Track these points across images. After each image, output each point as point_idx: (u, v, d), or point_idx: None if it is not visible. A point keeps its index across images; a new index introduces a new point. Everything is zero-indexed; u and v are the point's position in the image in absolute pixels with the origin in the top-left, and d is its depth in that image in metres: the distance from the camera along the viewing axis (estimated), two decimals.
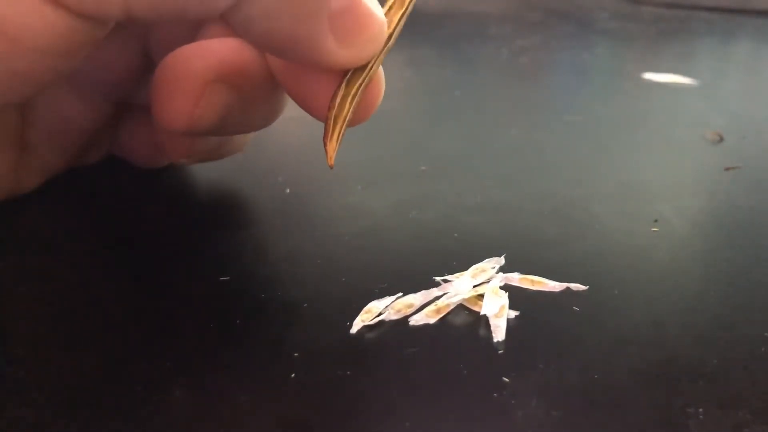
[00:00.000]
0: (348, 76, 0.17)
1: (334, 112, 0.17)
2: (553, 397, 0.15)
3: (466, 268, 0.19)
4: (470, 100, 0.36)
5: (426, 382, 0.15)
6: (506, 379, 0.15)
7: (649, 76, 0.41)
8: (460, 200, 0.24)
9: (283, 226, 0.22)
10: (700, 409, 0.14)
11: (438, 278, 0.19)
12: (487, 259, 0.20)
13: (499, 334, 0.17)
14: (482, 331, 0.17)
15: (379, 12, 0.17)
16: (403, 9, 0.18)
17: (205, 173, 0.26)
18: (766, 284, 0.19)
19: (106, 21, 0.13)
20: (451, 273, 0.19)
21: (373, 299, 0.18)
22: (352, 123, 0.18)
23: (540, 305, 0.18)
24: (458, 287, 0.18)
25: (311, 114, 0.19)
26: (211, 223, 0.23)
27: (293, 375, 0.16)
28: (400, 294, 0.18)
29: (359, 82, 0.17)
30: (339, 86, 0.17)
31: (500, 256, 0.20)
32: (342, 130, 0.17)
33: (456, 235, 0.22)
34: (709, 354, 0.16)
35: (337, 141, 0.17)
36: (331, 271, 0.20)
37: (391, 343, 0.17)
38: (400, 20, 0.18)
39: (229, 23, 0.15)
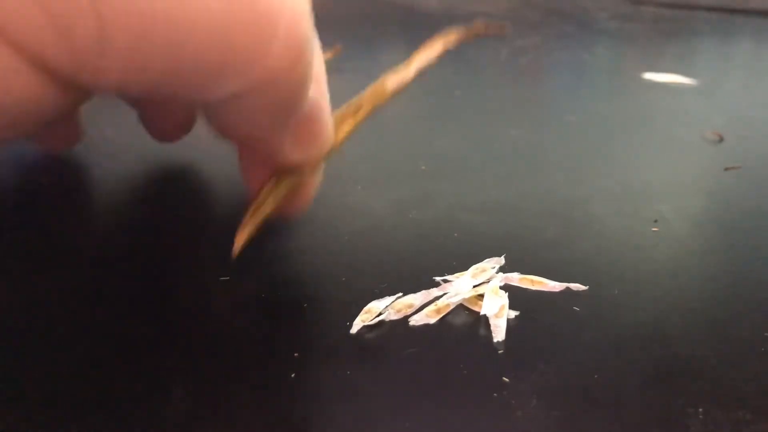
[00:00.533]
0: (281, 174, 0.17)
1: (255, 204, 0.17)
2: (553, 397, 0.15)
3: (466, 268, 0.19)
4: (470, 100, 0.36)
5: (426, 382, 0.15)
6: (506, 379, 0.15)
7: (649, 76, 0.41)
8: (460, 200, 0.24)
9: (283, 226, 0.22)
10: (700, 409, 0.14)
11: (438, 278, 0.19)
12: (487, 259, 0.20)
13: (499, 334, 0.17)
14: (482, 331, 0.17)
15: (330, 122, 0.17)
16: (355, 122, 0.19)
17: (205, 173, 0.26)
18: (765, 284, 0.19)
19: (97, 93, 0.13)
20: (451, 273, 0.19)
21: (374, 299, 0.18)
22: (274, 215, 0.18)
23: (540, 305, 0.18)
24: (458, 287, 0.18)
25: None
26: (211, 223, 0.23)
27: (293, 375, 0.16)
28: (400, 294, 0.18)
29: (289, 182, 0.17)
30: (270, 180, 0.17)
31: (500, 256, 0.20)
32: (257, 223, 0.17)
33: (456, 235, 0.22)
34: (709, 354, 0.16)
35: (248, 233, 0.17)
36: (331, 271, 0.20)
37: (391, 343, 0.17)
38: (348, 134, 0.19)
39: (204, 109, 0.15)
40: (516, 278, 0.19)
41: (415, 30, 0.52)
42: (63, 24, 0.10)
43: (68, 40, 0.11)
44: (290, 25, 0.13)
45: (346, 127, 0.19)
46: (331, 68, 0.43)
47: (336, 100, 0.39)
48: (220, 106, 0.14)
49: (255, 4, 0.12)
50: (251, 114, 0.14)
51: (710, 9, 0.69)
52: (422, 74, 0.20)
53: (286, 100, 0.14)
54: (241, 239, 0.16)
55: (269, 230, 0.22)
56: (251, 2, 0.12)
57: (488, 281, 0.19)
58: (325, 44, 0.47)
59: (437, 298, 0.18)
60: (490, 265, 0.20)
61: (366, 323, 0.17)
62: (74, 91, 0.12)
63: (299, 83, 0.14)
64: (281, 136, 0.16)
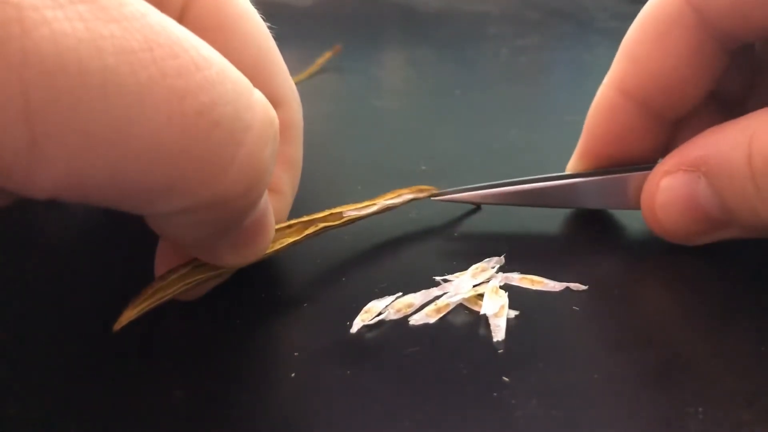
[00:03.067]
0: (198, 263, 0.16)
1: (158, 285, 0.16)
2: (553, 397, 0.15)
3: (466, 268, 0.19)
4: (470, 100, 0.36)
5: (426, 382, 0.15)
6: (506, 379, 0.15)
7: None
8: None
9: None
10: (700, 409, 0.14)
11: (438, 278, 0.19)
12: (487, 259, 0.20)
13: (498, 333, 0.17)
14: (482, 331, 0.17)
15: (271, 229, 0.17)
16: (300, 237, 0.19)
17: None
18: (765, 284, 0.19)
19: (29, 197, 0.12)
20: (451, 273, 0.19)
21: (373, 299, 0.18)
22: (176, 297, 0.17)
23: (540, 305, 0.18)
24: (458, 287, 0.18)
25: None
26: None
27: (293, 375, 0.16)
28: (400, 293, 0.18)
29: (204, 276, 0.16)
30: (183, 265, 0.16)
31: (500, 256, 0.20)
32: (151, 305, 0.15)
33: (456, 235, 0.22)
34: (709, 354, 0.16)
35: (137, 312, 0.15)
36: (331, 271, 0.20)
37: (391, 342, 0.17)
38: (286, 246, 0.18)
39: (147, 217, 0.14)
40: (516, 278, 0.19)
41: (415, 30, 0.52)
42: None
43: None
44: (251, 153, 0.12)
45: (291, 237, 0.18)
46: (331, 68, 0.43)
47: (336, 100, 0.39)
48: (166, 220, 0.13)
49: (214, 130, 0.11)
50: (193, 226, 0.13)
51: None
52: (381, 213, 0.21)
53: (232, 218, 0.14)
54: (128, 317, 0.15)
55: None
56: (210, 128, 0.11)
57: (488, 281, 0.19)
58: (325, 44, 0.47)
59: (437, 297, 0.18)
60: (490, 264, 0.19)
61: (366, 323, 0.17)
62: (5, 195, 0.12)
63: (250, 206, 0.14)
64: (219, 243, 0.15)
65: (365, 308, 0.18)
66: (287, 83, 0.19)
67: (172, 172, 0.11)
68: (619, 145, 0.21)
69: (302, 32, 0.48)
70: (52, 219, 0.23)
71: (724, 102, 0.22)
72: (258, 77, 0.15)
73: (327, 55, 0.40)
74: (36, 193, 0.11)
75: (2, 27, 0.09)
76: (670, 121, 0.21)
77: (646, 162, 0.21)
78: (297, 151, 0.20)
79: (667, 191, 0.19)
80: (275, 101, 0.18)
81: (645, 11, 0.20)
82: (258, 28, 0.18)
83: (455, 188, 0.22)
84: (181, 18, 0.16)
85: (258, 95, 0.13)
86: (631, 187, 0.21)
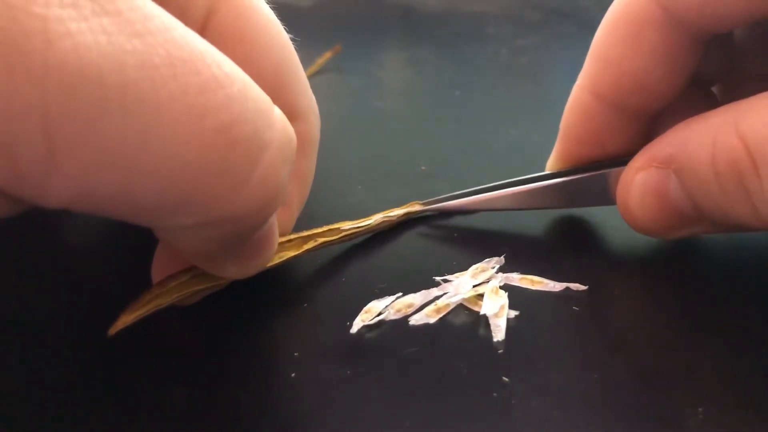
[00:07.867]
0: (197, 272, 0.16)
1: (157, 291, 0.16)
2: (553, 397, 0.15)
3: (466, 268, 0.19)
4: (470, 100, 0.36)
5: (426, 382, 0.15)
6: (506, 379, 0.15)
7: None
8: None
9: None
10: (700, 409, 0.14)
11: (438, 278, 0.19)
12: (487, 259, 0.20)
13: (498, 333, 0.17)
14: (482, 331, 0.17)
15: (275, 243, 0.17)
16: (299, 251, 0.19)
17: None
18: (765, 284, 0.19)
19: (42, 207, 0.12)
20: (451, 273, 0.19)
21: (373, 299, 0.18)
22: (176, 303, 0.17)
23: (540, 305, 0.18)
24: (458, 287, 0.18)
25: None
26: None
27: (293, 375, 0.16)
28: (400, 294, 0.18)
29: (202, 285, 0.16)
30: (182, 272, 0.16)
31: (500, 256, 0.20)
32: (148, 312, 0.16)
33: (456, 234, 0.22)
34: (708, 354, 0.16)
35: (134, 318, 0.15)
36: (331, 271, 0.20)
37: (391, 342, 0.17)
38: (286, 260, 0.18)
39: (155, 228, 0.14)
40: (516, 278, 0.19)
41: (415, 30, 0.52)
42: (7, 142, 0.10)
43: (11, 158, 0.10)
44: (267, 172, 0.12)
45: (290, 252, 0.19)
46: (331, 68, 0.43)
47: (336, 100, 0.39)
48: (175, 233, 0.13)
49: (231, 148, 0.11)
50: (202, 240, 0.13)
51: None
52: (377, 230, 0.21)
53: (242, 234, 0.14)
54: (124, 322, 0.15)
55: None
56: (227, 147, 0.11)
57: (488, 281, 0.19)
58: (325, 44, 0.47)
59: (437, 297, 0.18)
60: (490, 265, 0.19)
61: (366, 323, 0.17)
62: (16, 203, 0.11)
63: (261, 223, 0.14)
64: (224, 255, 0.15)
65: (365, 308, 0.18)
66: (307, 96, 0.19)
67: (186, 189, 0.11)
68: (596, 146, 0.21)
69: (302, 32, 0.47)
70: (53, 222, 0.23)
71: (703, 86, 0.22)
72: (277, 89, 0.14)
73: (327, 55, 0.40)
74: (49, 202, 0.11)
75: (27, 38, 0.09)
76: (647, 118, 0.21)
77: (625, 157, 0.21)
78: (310, 165, 0.20)
79: (640, 187, 0.19)
80: (293, 114, 0.18)
81: (612, 12, 0.20)
82: (280, 39, 0.18)
83: (436, 198, 0.22)
84: (203, 28, 0.16)
85: (278, 114, 0.13)
86: (611, 183, 0.21)
